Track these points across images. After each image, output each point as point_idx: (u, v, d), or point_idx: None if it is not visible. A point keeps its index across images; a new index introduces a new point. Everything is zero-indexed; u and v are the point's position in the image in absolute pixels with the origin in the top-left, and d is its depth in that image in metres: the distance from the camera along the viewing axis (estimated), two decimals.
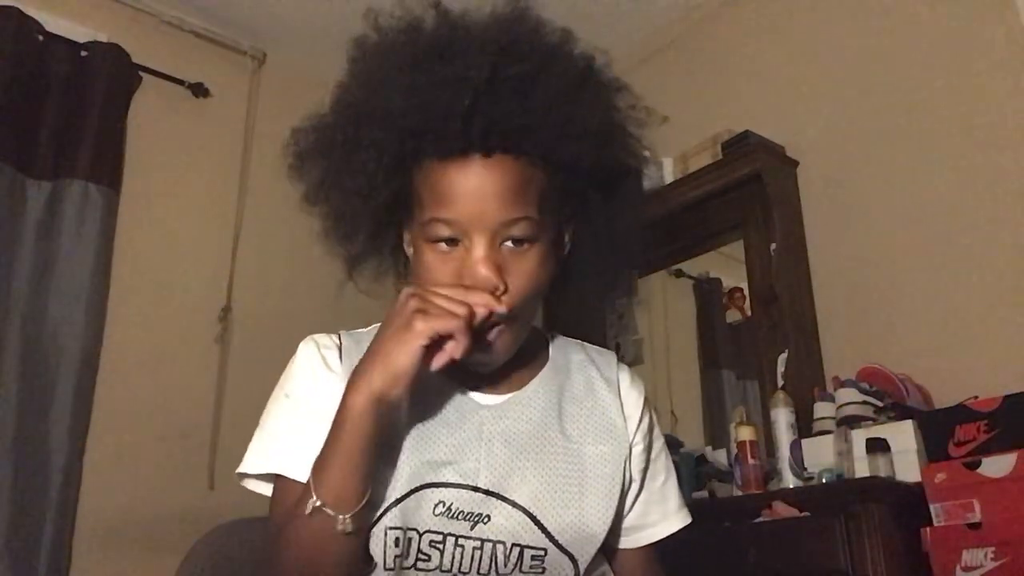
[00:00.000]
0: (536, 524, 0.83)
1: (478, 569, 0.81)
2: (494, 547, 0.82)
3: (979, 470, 1.53)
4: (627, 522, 0.94)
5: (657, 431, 0.99)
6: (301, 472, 0.80)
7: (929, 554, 1.55)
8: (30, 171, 2.34)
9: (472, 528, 0.81)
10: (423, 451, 0.83)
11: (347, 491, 0.75)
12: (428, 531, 0.81)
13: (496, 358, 0.85)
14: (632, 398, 0.96)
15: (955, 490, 1.55)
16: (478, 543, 0.81)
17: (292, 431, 0.85)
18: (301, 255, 2.21)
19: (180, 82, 2.74)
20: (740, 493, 1.94)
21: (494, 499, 0.83)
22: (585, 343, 1.01)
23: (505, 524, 0.82)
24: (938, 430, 1.70)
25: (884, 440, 1.72)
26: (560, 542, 0.83)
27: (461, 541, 0.81)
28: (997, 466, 1.51)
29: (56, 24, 2.50)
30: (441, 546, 0.81)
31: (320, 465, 0.77)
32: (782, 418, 1.91)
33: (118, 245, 2.48)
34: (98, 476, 2.30)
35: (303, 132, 0.89)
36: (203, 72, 2.79)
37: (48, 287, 2.31)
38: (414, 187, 0.84)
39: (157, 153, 2.66)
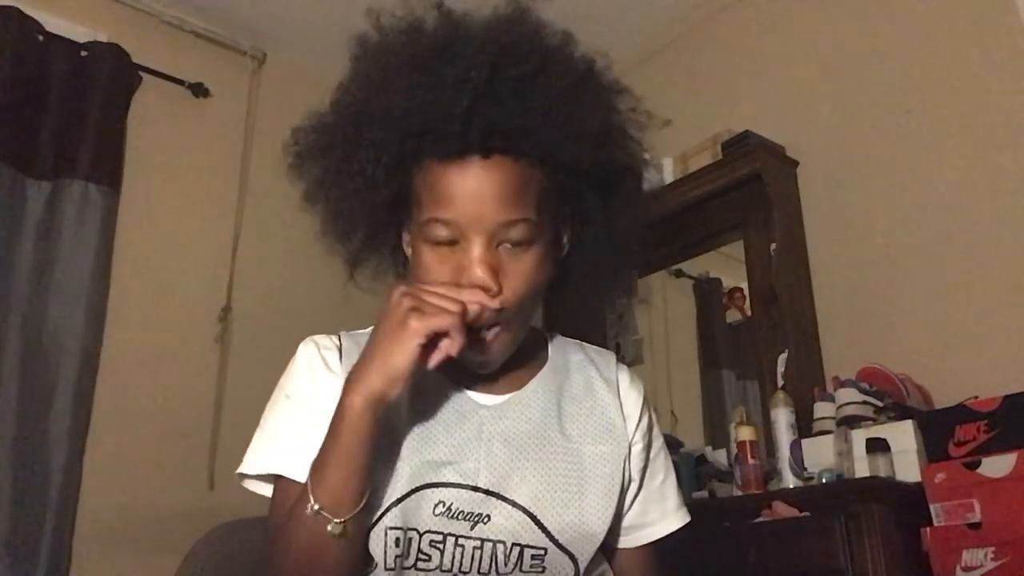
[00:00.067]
0: (536, 524, 0.83)
1: (478, 569, 0.81)
2: (494, 547, 0.82)
3: (979, 470, 1.53)
4: (626, 521, 0.94)
5: (656, 431, 1.00)
6: (301, 473, 0.80)
7: (929, 554, 1.55)
8: (30, 171, 2.34)
9: (472, 528, 0.82)
10: (423, 451, 0.83)
11: (345, 492, 0.75)
12: (428, 531, 0.81)
13: (494, 359, 0.86)
14: (631, 398, 0.96)
15: (955, 490, 1.55)
16: (478, 543, 0.81)
17: (292, 432, 0.85)
18: (301, 255, 2.23)
19: (180, 82, 2.74)
20: (740, 493, 1.94)
21: (494, 499, 0.83)
22: (584, 343, 1.02)
23: (505, 524, 0.82)
24: (938, 430, 1.70)
25: (884, 440, 1.72)
26: (560, 541, 0.83)
27: (461, 541, 0.81)
28: (997, 466, 1.51)
29: (56, 24, 2.50)
30: (441, 546, 0.81)
31: (318, 466, 0.77)
32: (782, 418, 1.91)
33: (118, 245, 2.48)
34: (98, 476, 2.30)
35: (303, 132, 0.89)
36: (203, 72, 2.79)
37: (48, 287, 2.31)
38: (413, 187, 0.84)
39: (157, 153, 2.66)
